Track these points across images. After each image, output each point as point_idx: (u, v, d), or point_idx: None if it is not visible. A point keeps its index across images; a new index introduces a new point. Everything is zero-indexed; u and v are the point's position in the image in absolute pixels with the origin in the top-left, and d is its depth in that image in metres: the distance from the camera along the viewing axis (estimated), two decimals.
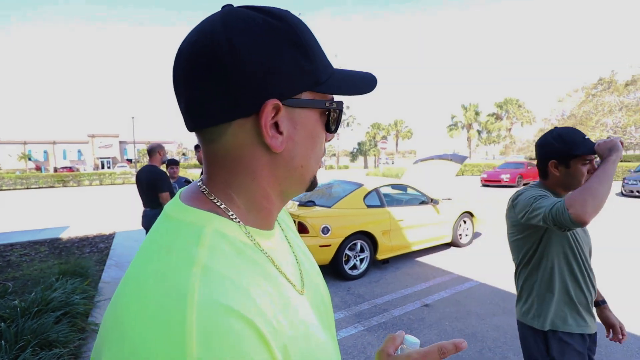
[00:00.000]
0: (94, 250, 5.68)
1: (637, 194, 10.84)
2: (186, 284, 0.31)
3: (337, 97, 0.45)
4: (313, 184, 0.46)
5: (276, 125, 0.40)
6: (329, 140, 0.47)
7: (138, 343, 0.28)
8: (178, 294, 0.30)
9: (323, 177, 7.16)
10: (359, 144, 53.31)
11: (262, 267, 0.40)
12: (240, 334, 0.30)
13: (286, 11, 0.42)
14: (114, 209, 10.97)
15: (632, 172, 12.09)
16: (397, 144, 54.21)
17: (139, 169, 3.88)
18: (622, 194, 11.46)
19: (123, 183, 24.60)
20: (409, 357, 0.45)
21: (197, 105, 0.39)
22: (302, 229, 3.91)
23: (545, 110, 36.23)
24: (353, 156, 54.97)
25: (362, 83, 0.45)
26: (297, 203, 4.45)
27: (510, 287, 3.86)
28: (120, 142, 54.66)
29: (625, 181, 11.14)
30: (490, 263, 4.74)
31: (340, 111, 0.45)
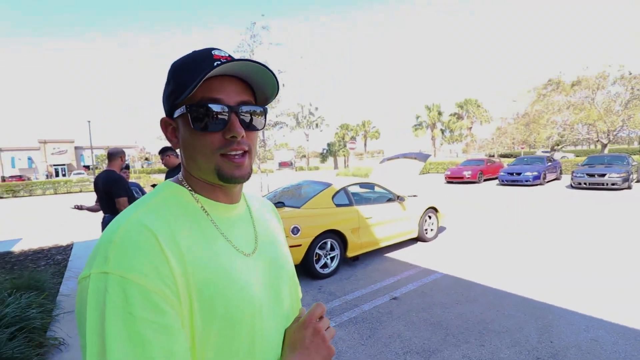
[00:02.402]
0: (50, 263, 5.32)
1: (584, 185, 11.86)
2: (132, 213, 0.53)
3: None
4: (222, 176, 0.58)
5: (175, 132, 0.61)
6: (231, 137, 0.57)
7: (102, 236, 0.51)
8: (125, 217, 0.52)
9: (293, 178, 7.15)
10: (328, 144, 53.72)
11: (199, 222, 0.57)
12: (142, 237, 0.49)
13: (185, 55, 0.61)
14: (70, 219, 10.30)
15: (579, 166, 13.18)
16: (365, 144, 55.21)
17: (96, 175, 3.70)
18: (572, 186, 12.49)
19: (80, 191, 23.08)
20: (292, 328, 0.64)
21: None
22: None
23: (501, 109, 38.58)
24: (323, 157, 55.30)
25: (194, 79, 0.56)
26: None
27: (473, 276, 4.10)
28: (76, 148, 51.14)
29: (574, 174, 12.14)
30: (454, 255, 4.98)
31: (200, 110, 0.56)
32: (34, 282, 3.79)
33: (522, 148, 30.00)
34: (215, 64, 0.55)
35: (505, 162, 21.49)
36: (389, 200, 5.41)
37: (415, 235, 5.62)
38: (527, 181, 13.66)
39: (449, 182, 16.81)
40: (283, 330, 0.64)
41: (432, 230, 5.90)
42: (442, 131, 48.43)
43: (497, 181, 15.79)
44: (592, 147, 40.37)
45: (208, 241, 0.56)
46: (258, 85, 0.61)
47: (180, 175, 0.63)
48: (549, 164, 14.90)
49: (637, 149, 27.22)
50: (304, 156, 54.15)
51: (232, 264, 0.57)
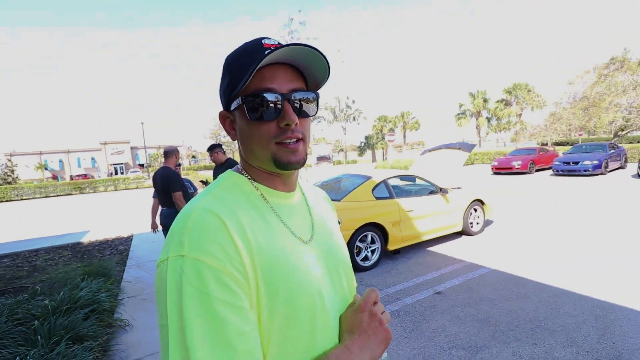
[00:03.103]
0: (114, 252, 5.88)
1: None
2: (201, 201, 0.57)
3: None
4: (279, 163, 0.61)
5: (232, 125, 0.65)
6: (286, 125, 0.59)
7: (175, 224, 0.55)
8: (194, 205, 0.56)
9: (332, 172, 7.20)
10: (366, 137, 52.98)
11: (260, 208, 0.61)
12: (213, 223, 0.52)
13: (237, 47, 0.63)
14: (129, 213, 11.24)
15: None
16: (404, 136, 53.65)
17: (153, 172, 4.02)
18: (638, 175, 11.20)
19: (137, 187, 25.09)
20: (350, 310, 0.65)
21: None
22: None
23: (555, 93, 35.21)
24: (361, 150, 54.67)
25: (247, 70, 0.58)
26: None
27: (524, 272, 3.87)
28: (132, 148, 55.64)
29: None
30: (502, 250, 4.73)
31: (255, 100, 0.58)
32: (101, 269, 4.23)
33: (580, 135, 27.29)
34: (265, 52, 0.57)
35: (561, 150, 19.79)
36: (431, 192, 5.25)
37: (459, 229, 5.41)
38: (585, 170, 12.45)
39: (496, 174, 15.87)
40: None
41: (477, 223, 5.64)
42: (488, 119, 45.60)
43: (551, 171, 14.60)
44: None
45: (270, 227, 0.59)
46: (309, 70, 0.62)
47: (239, 166, 0.67)
48: (612, 151, 13.43)
49: None
50: (342, 150, 54.01)
51: (293, 250, 0.59)
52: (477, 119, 45.62)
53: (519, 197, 9.00)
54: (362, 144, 53.89)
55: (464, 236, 5.54)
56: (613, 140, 22.34)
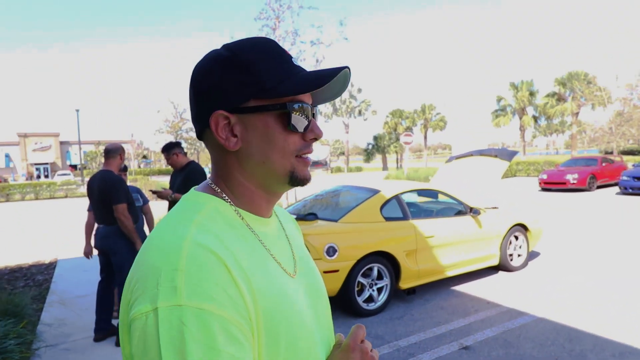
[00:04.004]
0: (30, 284, 5.79)
1: None
2: (186, 231, 0.60)
3: (296, 98, 0.69)
4: (295, 179, 0.70)
5: (233, 129, 0.67)
6: (312, 139, 0.71)
7: (152, 261, 0.57)
8: (180, 237, 0.59)
9: (329, 182, 7.25)
10: (375, 138, 53.31)
11: (249, 241, 0.66)
12: (211, 263, 0.56)
13: (246, 41, 0.70)
14: (54, 230, 11.11)
15: None
16: (425, 137, 54.23)
17: (89, 176, 3.98)
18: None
19: (66, 196, 24.87)
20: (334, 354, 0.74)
21: (192, 119, 0.73)
22: None
23: (623, 87, 35.83)
24: (368, 154, 54.85)
25: (317, 79, 0.67)
26: (295, 216, 4.53)
27: (579, 322, 3.88)
28: (61, 143, 55.40)
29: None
30: (551, 292, 4.77)
31: (299, 109, 0.67)
32: (11, 307, 4.13)
33: None
34: (327, 69, 0.68)
35: (630, 161, 20.09)
36: (459, 213, 5.29)
37: (495, 262, 5.44)
38: None
39: (545, 189, 16.11)
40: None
41: (519, 255, 5.69)
42: (535, 118, 46.31)
43: (617, 189, 14.83)
44: None
45: (263, 263, 0.65)
46: (325, 89, 0.72)
47: (212, 184, 0.72)
48: None
49: None
50: (342, 153, 54.34)
51: (287, 288, 0.67)
52: (520, 118, 46.30)
53: (575, 222, 9.09)
54: (370, 147, 54.16)
55: (501, 272, 5.58)
56: None
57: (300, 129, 0.68)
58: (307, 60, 12.12)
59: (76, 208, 16.89)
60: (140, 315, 0.53)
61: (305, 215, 4.47)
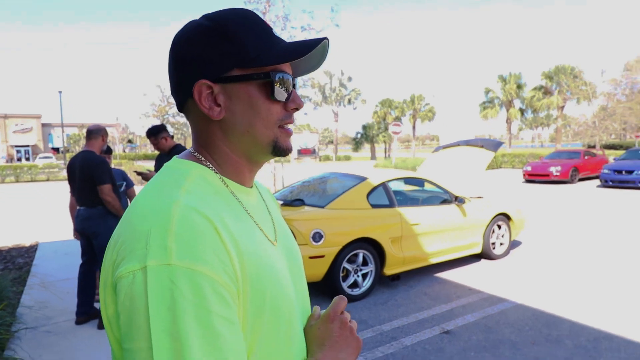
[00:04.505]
0: (10, 267, 5.70)
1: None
2: (175, 195, 0.60)
3: (278, 67, 0.70)
4: (278, 148, 0.72)
5: (216, 99, 0.67)
6: (293, 109, 0.72)
7: (140, 222, 0.57)
8: (169, 200, 0.59)
9: (316, 169, 7.24)
10: (364, 127, 53.33)
11: (234, 208, 0.68)
12: (202, 225, 0.56)
13: (227, 12, 0.70)
14: (35, 214, 10.94)
15: None
16: (414, 127, 54.46)
17: (71, 157, 3.90)
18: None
19: (48, 180, 24.41)
20: (312, 327, 0.75)
21: (172, 91, 0.72)
22: None
23: (608, 82, 36.52)
24: (356, 144, 54.98)
25: (298, 48, 0.69)
26: (281, 202, 4.53)
27: (557, 309, 3.99)
28: (43, 125, 54.13)
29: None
30: (531, 279, 4.88)
31: (281, 79, 0.68)
32: None
33: (638, 137, 28.47)
34: (307, 39, 0.71)
35: (611, 155, 20.49)
36: (444, 202, 5.35)
37: (478, 250, 5.54)
38: None
39: (529, 181, 16.40)
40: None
41: (501, 244, 5.80)
42: (522, 111, 46.85)
43: (598, 181, 15.15)
44: None
45: (249, 230, 0.67)
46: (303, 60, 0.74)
47: (194, 153, 0.72)
48: None
49: None
50: (331, 142, 54.30)
51: (271, 255, 0.68)
52: (507, 110, 46.76)
53: (556, 213, 9.28)
54: (359, 136, 54.22)
55: (483, 260, 5.68)
56: None
57: (283, 98, 0.69)
58: None
59: (58, 191, 16.61)
60: (127, 273, 0.52)
61: (292, 201, 4.47)
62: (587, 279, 4.83)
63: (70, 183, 3.80)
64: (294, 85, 0.72)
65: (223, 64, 0.66)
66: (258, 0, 11.43)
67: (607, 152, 22.74)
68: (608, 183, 13.84)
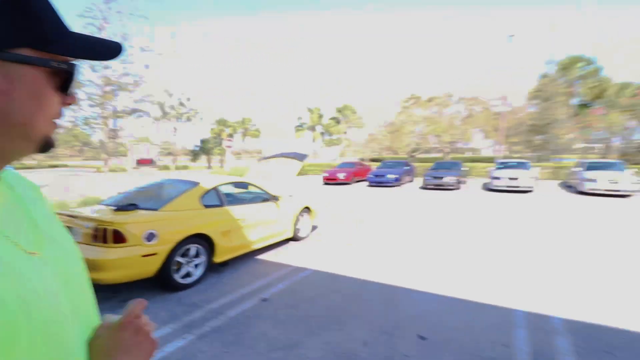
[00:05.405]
0: None
1: (431, 186, 14.88)
2: None
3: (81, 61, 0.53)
4: (48, 144, 0.52)
5: None
6: (69, 104, 0.53)
7: None
8: None
9: (155, 178, 6.55)
10: (202, 141, 50.55)
11: None
12: None
13: None
14: None
15: (429, 170, 16.38)
16: (244, 142, 54.62)
17: None
18: (423, 187, 15.44)
19: None
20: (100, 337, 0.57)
21: None
22: (118, 238, 3.46)
23: (372, 117, 44.84)
24: (195, 155, 51.64)
25: (103, 49, 0.53)
26: (114, 208, 3.93)
27: (340, 270, 4.57)
28: None
29: (425, 177, 15.17)
30: (324, 252, 5.45)
31: (71, 73, 0.51)
32: None
33: (388, 154, 35.59)
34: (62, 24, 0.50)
35: (374, 165, 24.80)
36: (264, 200, 5.52)
37: (290, 235, 5.89)
38: (389, 183, 16.17)
39: (326, 184, 18.29)
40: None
41: (305, 229, 6.30)
42: (322, 134, 52.22)
43: (366, 182, 18.07)
44: (441, 155, 50.54)
45: None
46: None
47: None
48: (406, 167, 18.09)
49: (469, 158, 35.59)
50: (170, 153, 49.63)
51: (22, 272, 0.46)
52: (313, 133, 51.50)
53: (343, 204, 10.66)
54: (197, 148, 51.16)
55: (292, 242, 6.07)
56: (407, 160, 29.99)
57: (69, 92, 0.52)
58: (136, 64, 10.62)
59: None
60: None
61: (126, 206, 3.92)
62: (358, 246, 5.68)
63: None
64: None
65: (13, 37, 0.44)
66: (94, 16, 9.68)
67: (372, 163, 27.36)
68: (372, 183, 16.71)
